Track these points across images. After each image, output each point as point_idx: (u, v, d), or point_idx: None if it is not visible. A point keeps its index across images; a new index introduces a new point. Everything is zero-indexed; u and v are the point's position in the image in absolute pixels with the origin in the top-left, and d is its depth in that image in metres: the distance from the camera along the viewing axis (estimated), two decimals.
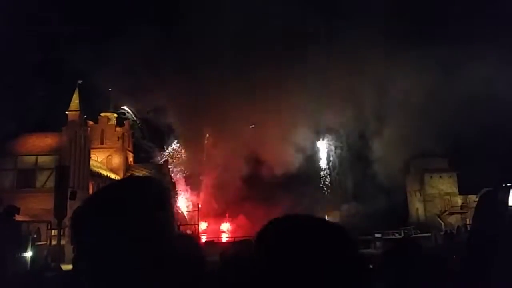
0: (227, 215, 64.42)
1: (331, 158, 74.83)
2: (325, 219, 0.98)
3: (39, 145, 38.39)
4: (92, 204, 1.08)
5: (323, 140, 75.03)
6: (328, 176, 74.58)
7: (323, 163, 75.01)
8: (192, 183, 67.77)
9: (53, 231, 30.15)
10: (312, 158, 74.69)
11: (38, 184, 36.61)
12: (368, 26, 65.02)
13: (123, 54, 61.62)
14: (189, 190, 66.89)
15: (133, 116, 67.13)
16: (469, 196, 55.51)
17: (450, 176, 57.58)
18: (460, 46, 57.03)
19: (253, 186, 65.70)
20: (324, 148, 75.28)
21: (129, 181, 1.16)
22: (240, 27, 66.94)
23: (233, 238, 49.20)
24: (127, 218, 1.02)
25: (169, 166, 61.28)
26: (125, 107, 62.90)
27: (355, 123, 68.65)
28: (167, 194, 1.15)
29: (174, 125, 69.01)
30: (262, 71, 65.92)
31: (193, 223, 50.10)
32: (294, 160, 69.29)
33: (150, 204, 1.07)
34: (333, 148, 74.68)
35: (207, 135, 70.32)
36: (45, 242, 30.13)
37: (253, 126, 69.20)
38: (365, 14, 68.41)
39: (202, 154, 68.71)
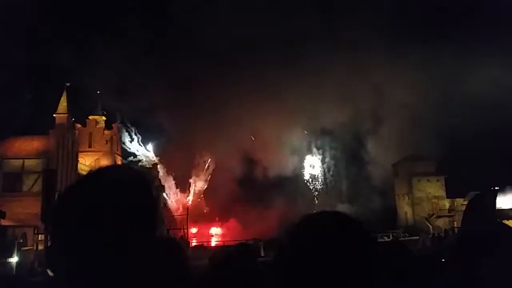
0: (217, 218, 64.01)
1: (326, 159, 74.62)
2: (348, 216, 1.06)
3: (26, 149, 37.85)
4: (71, 197, 1.02)
5: (317, 141, 74.53)
6: (322, 177, 74.13)
7: (317, 165, 74.56)
8: (182, 185, 67.30)
9: (40, 235, 29.71)
10: (306, 159, 74.23)
11: (25, 188, 36.07)
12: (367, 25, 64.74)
13: (111, 55, 61.25)
14: (179, 194, 66.48)
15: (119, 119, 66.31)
16: (457, 199, 56.12)
17: (438, 180, 58.13)
18: (457, 50, 57.48)
19: (245, 188, 65.27)
20: (318, 150, 74.94)
21: (108, 171, 1.08)
22: (234, 26, 66.62)
23: (223, 242, 48.98)
24: (108, 214, 0.96)
25: (158, 170, 60.79)
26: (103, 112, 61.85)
27: (350, 124, 67.90)
28: (150, 186, 1.09)
29: (164, 127, 68.49)
30: (256, 71, 65.38)
31: (182, 227, 49.71)
32: (288, 162, 68.97)
33: (130, 198, 1.00)
34: (328, 149, 74.25)
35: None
36: (31, 247, 29.64)
37: (253, 138, 68.55)
38: (363, 13, 68.15)
39: (193, 155, 68.14)
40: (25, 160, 37.02)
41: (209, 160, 68.73)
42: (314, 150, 74.60)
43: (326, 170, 74.00)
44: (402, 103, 62.26)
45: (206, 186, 68.89)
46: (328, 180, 73.47)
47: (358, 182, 66.49)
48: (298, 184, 71.35)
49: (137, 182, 1.06)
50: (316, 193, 73.22)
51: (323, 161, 74.55)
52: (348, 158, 70.73)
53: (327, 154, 74.22)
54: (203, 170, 69.03)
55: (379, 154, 63.77)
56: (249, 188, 65.05)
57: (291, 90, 66.99)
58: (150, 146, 68.59)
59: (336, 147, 72.93)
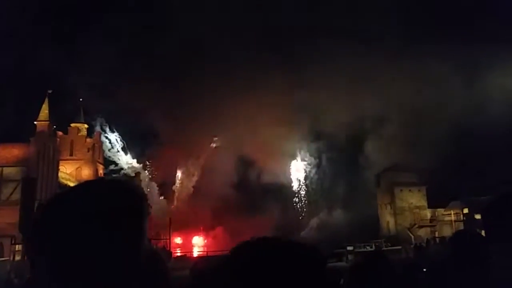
0: (201, 228, 62.75)
1: (322, 164, 72.31)
2: (293, 242, 1.03)
3: (5, 156, 37.04)
4: (55, 209, 0.96)
5: (313, 145, 72.13)
6: (317, 182, 72.54)
7: (311, 170, 72.76)
8: (167, 192, 65.89)
9: (17, 246, 29.00)
10: (299, 164, 72.36)
11: (3, 196, 35.19)
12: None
13: (94, 61, 60.59)
14: (163, 201, 65.00)
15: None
16: (438, 209, 57.01)
17: (419, 190, 58.83)
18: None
19: (235, 195, 63.29)
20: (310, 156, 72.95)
21: (98, 184, 1.05)
22: (228, 24, 65.01)
23: (206, 253, 48.29)
24: (94, 227, 0.92)
25: (141, 179, 59.90)
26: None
27: (348, 128, 65.41)
28: (142, 203, 1.05)
29: (149, 133, 67.20)
30: (251, 71, 63.37)
31: (163, 237, 48.87)
32: (282, 167, 67.39)
33: (119, 213, 0.98)
34: (323, 153, 71.76)
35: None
36: (8, 258, 28.88)
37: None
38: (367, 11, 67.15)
39: (179, 161, 66.78)
40: (4, 168, 36.19)
41: (197, 166, 67.71)
42: (308, 155, 72.47)
43: (322, 175, 71.99)
44: (387, 116, 62.43)
45: (192, 193, 67.62)
46: (322, 186, 71.42)
47: (354, 187, 64.89)
48: (290, 191, 69.95)
49: (127, 195, 1.04)
50: (305, 200, 71.82)
51: (318, 166, 72.53)
52: (344, 163, 68.04)
53: (323, 158, 71.99)
54: (189, 176, 68.13)
55: (375, 159, 63.25)
56: (239, 195, 63.34)
57: (287, 92, 64.48)
58: (133, 154, 67.72)
59: (332, 151, 70.35)
